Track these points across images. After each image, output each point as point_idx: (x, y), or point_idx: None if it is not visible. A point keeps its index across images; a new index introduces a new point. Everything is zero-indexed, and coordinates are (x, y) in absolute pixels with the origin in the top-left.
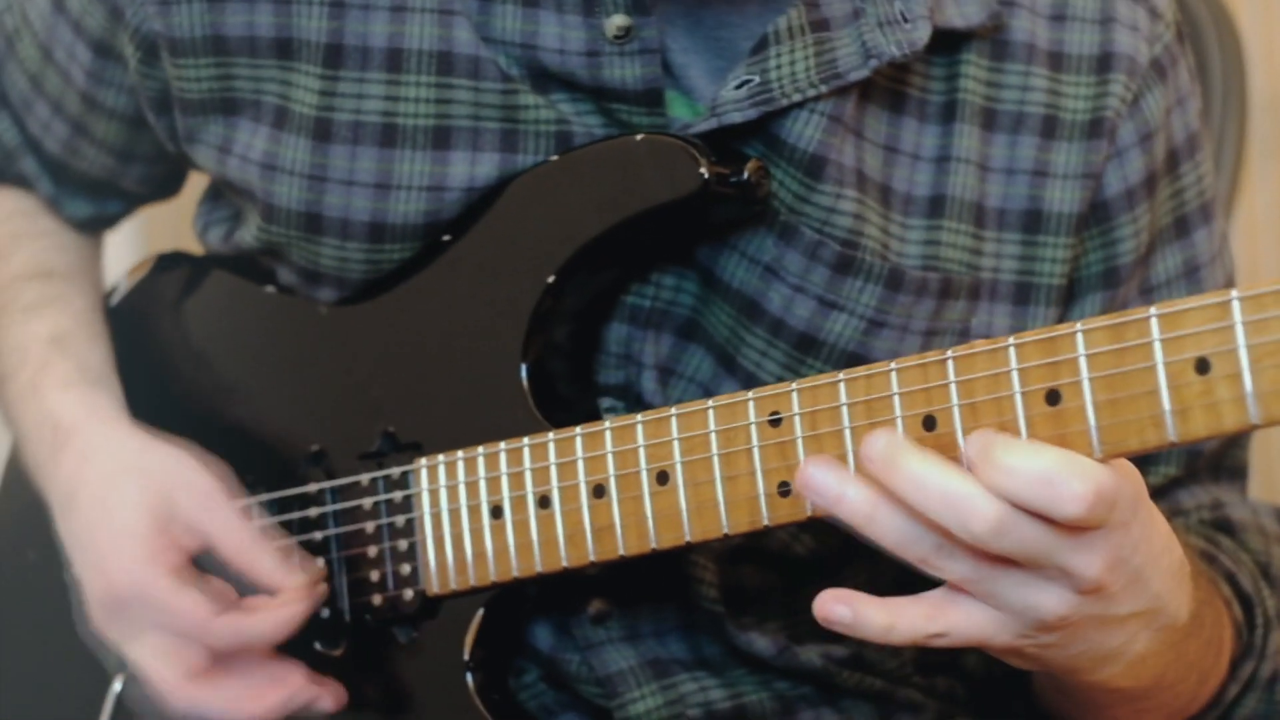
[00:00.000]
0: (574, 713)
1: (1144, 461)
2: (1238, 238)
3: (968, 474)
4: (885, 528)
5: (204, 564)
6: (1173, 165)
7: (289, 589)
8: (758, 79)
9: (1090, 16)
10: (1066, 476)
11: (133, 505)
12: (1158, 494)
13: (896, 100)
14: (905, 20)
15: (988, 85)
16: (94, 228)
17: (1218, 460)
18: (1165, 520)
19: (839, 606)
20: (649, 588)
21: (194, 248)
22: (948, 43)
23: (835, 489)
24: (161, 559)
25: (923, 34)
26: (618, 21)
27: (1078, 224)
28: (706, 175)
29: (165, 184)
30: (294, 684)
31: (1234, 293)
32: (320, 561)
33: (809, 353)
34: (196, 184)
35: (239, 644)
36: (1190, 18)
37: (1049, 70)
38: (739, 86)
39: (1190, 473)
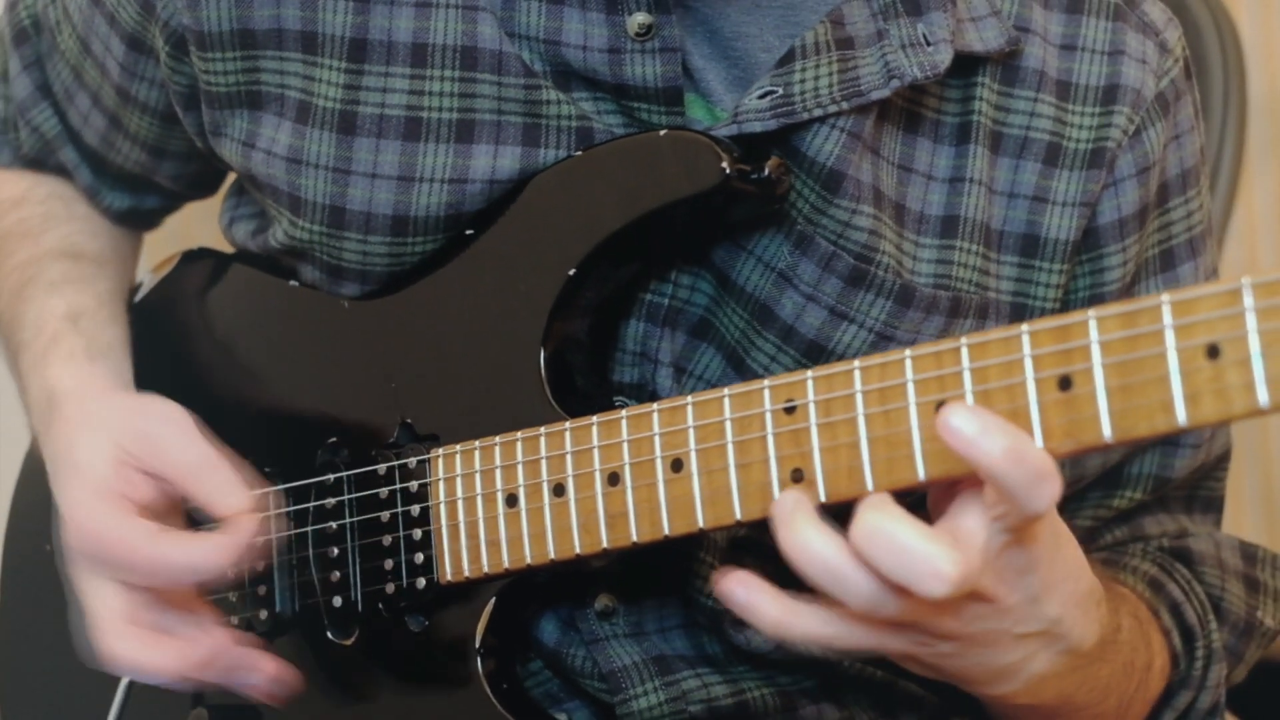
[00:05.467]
0: (579, 700)
1: (1110, 485)
2: (1237, 238)
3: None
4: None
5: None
6: (1162, 199)
7: (234, 514)
8: (780, 91)
9: (1100, 48)
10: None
11: (92, 457)
12: (1122, 518)
13: (912, 121)
14: (928, 43)
15: (996, 109)
16: (133, 221)
17: (1191, 490)
18: (1076, 548)
19: (737, 588)
20: (655, 584)
21: (197, 242)
22: (964, 66)
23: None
24: (111, 500)
25: (944, 57)
26: (639, 19)
27: (1072, 251)
28: (728, 170)
29: (200, 182)
30: (219, 643)
31: (1245, 279)
32: (334, 550)
33: (818, 361)
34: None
35: (166, 570)
36: (1190, 18)
37: (1056, 99)
38: (762, 96)
39: (1160, 500)
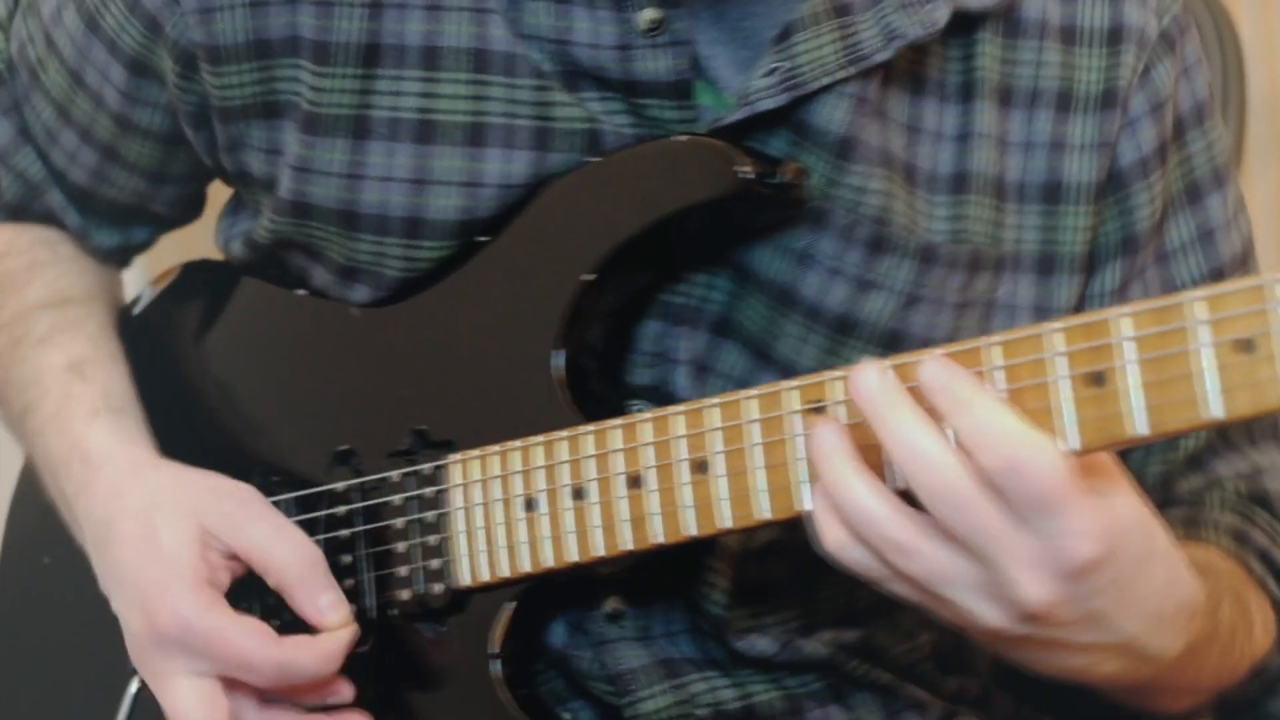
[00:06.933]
0: (583, 701)
1: None
2: None
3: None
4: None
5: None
6: (1179, 133)
7: (334, 622)
8: (787, 65)
9: None
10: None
11: (174, 537)
12: (1193, 463)
13: (916, 82)
14: (924, 1)
15: (1003, 63)
16: (121, 257)
17: (1248, 422)
18: (1171, 565)
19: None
20: (663, 589)
21: (196, 245)
22: (963, 24)
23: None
24: (206, 592)
25: (942, 14)
26: (649, 15)
27: (1097, 193)
28: (745, 175)
29: (192, 206)
30: None
31: (1276, 275)
32: (346, 558)
33: (848, 334)
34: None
35: (290, 673)
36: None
37: (1061, 45)
38: (768, 74)
39: (1224, 438)
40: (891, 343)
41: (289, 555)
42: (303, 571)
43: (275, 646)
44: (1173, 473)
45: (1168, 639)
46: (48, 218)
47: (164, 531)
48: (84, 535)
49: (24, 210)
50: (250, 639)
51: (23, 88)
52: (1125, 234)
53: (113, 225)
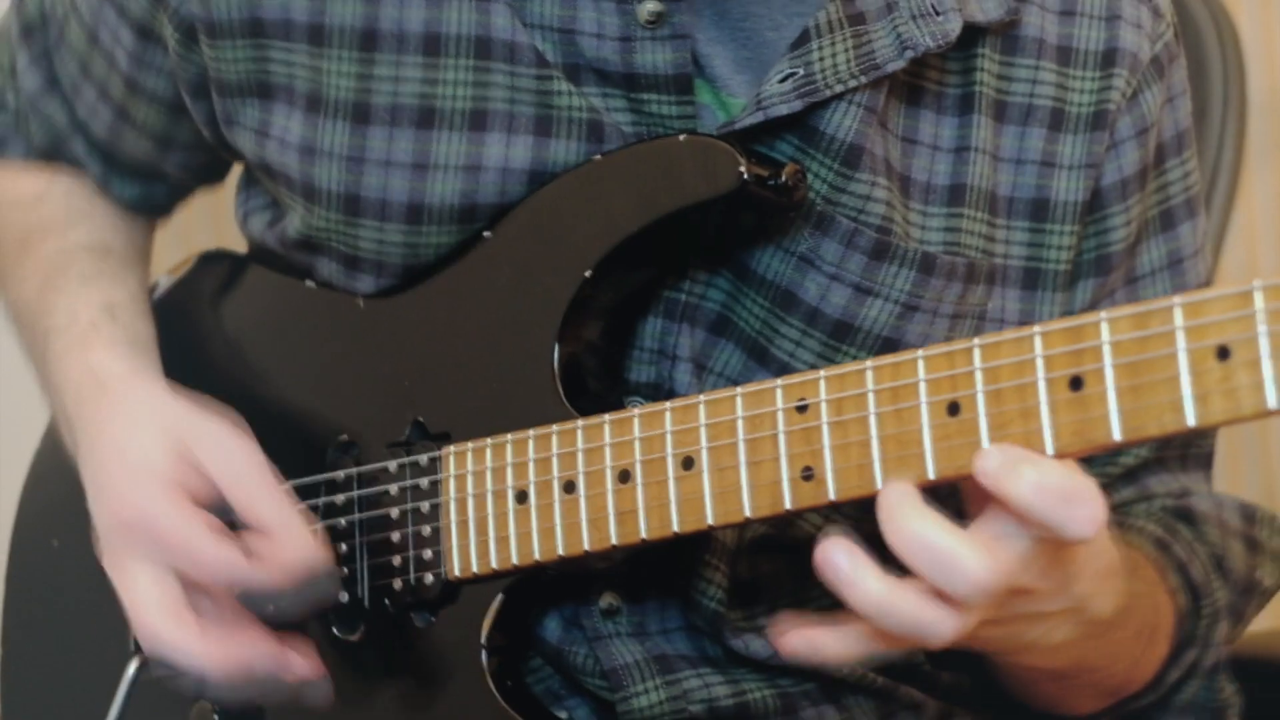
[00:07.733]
0: (579, 698)
1: None
2: (1236, 238)
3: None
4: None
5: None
6: (1159, 160)
7: (287, 537)
8: (802, 72)
9: (1097, 13)
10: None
11: (149, 444)
12: (1129, 476)
13: (914, 94)
14: (937, 13)
15: (999, 78)
16: (144, 211)
17: (1184, 449)
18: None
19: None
20: (659, 585)
21: (197, 244)
22: (965, 38)
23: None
24: (170, 489)
25: (954, 26)
26: (650, 7)
27: (1082, 212)
28: (746, 175)
29: (207, 172)
30: (264, 648)
31: (1257, 282)
32: (342, 547)
33: (844, 340)
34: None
35: (228, 573)
36: (1190, 18)
37: (1057, 64)
38: (783, 80)
39: (1160, 459)
40: (886, 350)
41: (245, 469)
42: (255, 482)
43: (216, 543)
44: (1109, 485)
45: (1105, 599)
46: (74, 164)
47: (141, 437)
48: (78, 451)
49: (53, 154)
50: (199, 533)
51: (53, 39)
52: (1100, 253)
53: (132, 179)
